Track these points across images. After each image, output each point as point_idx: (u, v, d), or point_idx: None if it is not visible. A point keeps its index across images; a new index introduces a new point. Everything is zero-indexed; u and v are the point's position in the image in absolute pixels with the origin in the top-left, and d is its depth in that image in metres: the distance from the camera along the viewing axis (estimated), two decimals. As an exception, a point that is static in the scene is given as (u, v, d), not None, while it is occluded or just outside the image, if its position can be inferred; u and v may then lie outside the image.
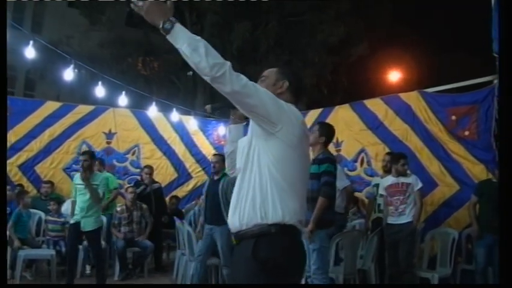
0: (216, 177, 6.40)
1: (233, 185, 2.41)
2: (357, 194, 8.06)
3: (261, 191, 2.24)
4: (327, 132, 5.27)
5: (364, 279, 6.37)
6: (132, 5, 2.29)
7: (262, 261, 2.16)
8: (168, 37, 2.18)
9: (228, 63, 2.19)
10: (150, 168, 8.59)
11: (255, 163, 2.30)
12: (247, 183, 2.29)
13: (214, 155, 7.10)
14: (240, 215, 2.28)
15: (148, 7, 2.23)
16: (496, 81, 6.80)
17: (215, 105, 2.62)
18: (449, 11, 15.94)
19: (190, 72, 17.34)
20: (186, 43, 2.15)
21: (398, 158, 6.39)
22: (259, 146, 2.31)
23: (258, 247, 2.19)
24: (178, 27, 2.19)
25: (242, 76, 2.22)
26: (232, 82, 2.17)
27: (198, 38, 2.18)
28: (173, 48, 2.25)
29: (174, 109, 10.11)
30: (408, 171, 6.29)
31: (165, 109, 10.28)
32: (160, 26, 2.19)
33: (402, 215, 6.11)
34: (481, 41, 7.50)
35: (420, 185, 6.17)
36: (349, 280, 5.91)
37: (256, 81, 2.41)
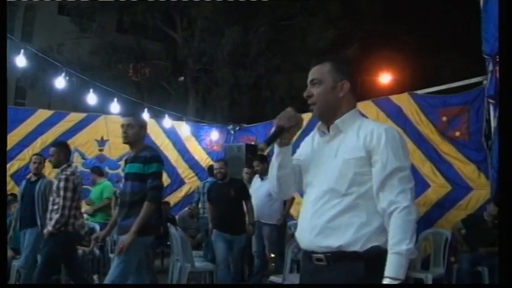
0: (33, 179, 6.17)
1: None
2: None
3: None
4: (144, 123, 4.56)
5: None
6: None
7: None
8: None
9: (403, 204, 2.03)
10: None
11: (365, 187, 2.12)
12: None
13: (35, 155, 6.65)
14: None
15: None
16: (485, 82, 6.88)
17: (269, 139, 2.22)
18: (440, 13, 16.03)
19: (182, 78, 17.38)
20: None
21: None
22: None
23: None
24: None
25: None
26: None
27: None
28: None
29: (166, 115, 10.10)
30: None
31: (157, 115, 10.28)
32: None
33: None
34: (471, 43, 7.57)
35: None
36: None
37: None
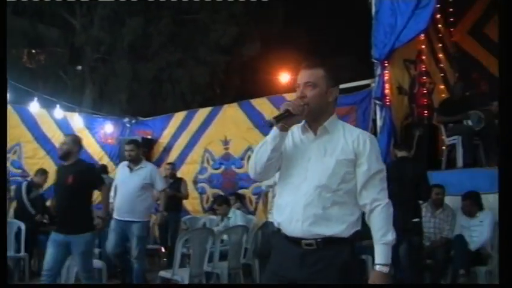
0: None
1: None
2: (244, 191, 8.37)
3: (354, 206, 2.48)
4: None
5: (249, 274, 6.54)
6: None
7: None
8: None
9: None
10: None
11: (351, 184, 2.44)
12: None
13: None
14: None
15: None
16: (373, 84, 7.31)
17: (278, 116, 2.38)
18: (336, 19, 16.66)
19: (79, 67, 16.74)
20: None
21: None
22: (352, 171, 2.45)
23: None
24: None
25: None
26: None
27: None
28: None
29: (58, 106, 9.70)
30: None
31: (49, 105, 9.84)
32: None
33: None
34: (363, 47, 7.97)
35: None
36: (193, 280, 5.75)
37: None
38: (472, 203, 6.05)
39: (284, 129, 2.41)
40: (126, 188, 6.10)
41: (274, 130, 2.41)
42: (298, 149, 2.51)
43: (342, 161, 2.41)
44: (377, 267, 2.39)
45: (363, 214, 2.49)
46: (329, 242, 2.38)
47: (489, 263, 5.97)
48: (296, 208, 2.41)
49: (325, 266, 2.37)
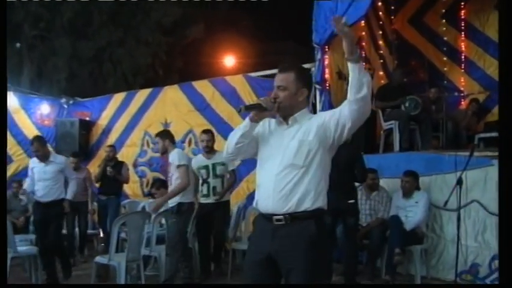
0: None
1: None
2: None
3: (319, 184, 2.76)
4: None
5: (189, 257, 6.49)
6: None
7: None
8: None
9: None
10: None
11: (315, 163, 2.73)
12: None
13: None
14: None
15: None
16: (313, 69, 7.39)
17: (249, 106, 2.86)
18: (279, 3, 16.70)
19: (18, 44, 16.04)
20: None
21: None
22: (321, 151, 2.74)
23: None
24: None
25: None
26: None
27: None
28: None
29: (-9, 84, 9.25)
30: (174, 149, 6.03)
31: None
32: None
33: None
34: (305, 32, 8.03)
35: (178, 162, 5.72)
36: (130, 265, 5.73)
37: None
38: (414, 179, 6.26)
39: (254, 120, 2.82)
40: None
41: (246, 119, 2.83)
42: (272, 138, 2.88)
43: (303, 141, 2.75)
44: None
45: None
46: (296, 217, 2.71)
47: (424, 242, 6.22)
48: (268, 187, 2.77)
49: (293, 239, 2.70)
